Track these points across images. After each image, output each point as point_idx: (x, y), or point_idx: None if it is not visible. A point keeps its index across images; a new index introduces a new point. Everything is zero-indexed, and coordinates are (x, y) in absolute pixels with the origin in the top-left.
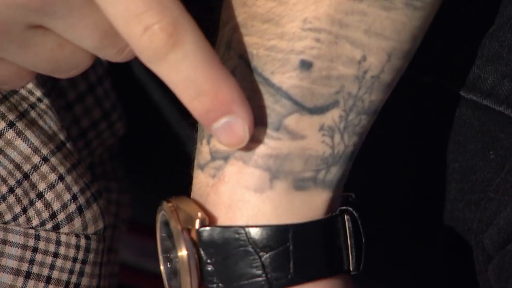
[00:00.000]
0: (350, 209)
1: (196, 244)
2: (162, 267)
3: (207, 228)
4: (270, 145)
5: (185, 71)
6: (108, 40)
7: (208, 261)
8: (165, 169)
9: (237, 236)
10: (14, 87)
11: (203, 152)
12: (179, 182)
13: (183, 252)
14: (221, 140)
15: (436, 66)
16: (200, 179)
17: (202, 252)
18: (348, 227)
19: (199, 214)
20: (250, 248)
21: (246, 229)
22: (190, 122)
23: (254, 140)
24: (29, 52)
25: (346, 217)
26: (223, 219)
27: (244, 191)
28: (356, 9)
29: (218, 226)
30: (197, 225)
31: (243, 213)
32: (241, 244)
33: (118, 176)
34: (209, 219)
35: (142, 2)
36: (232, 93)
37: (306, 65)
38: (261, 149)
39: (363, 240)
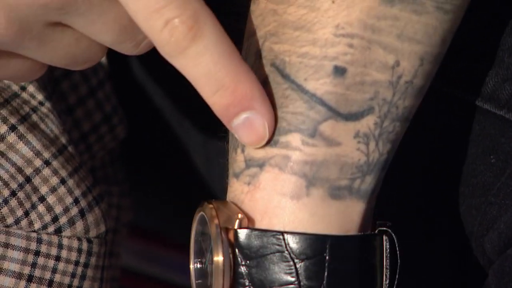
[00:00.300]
0: (390, 230)
1: (233, 245)
2: (191, 266)
3: (246, 229)
4: (305, 151)
5: (206, 64)
6: (126, 35)
7: (243, 263)
8: (166, 172)
9: (275, 240)
10: (26, 81)
11: (237, 160)
12: (180, 185)
13: (219, 256)
14: (241, 137)
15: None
16: (235, 187)
17: (237, 253)
18: (386, 248)
19: (239, 215)
20: (286, 254)
21: (285, 235)
22: (220, 136)
23: (290, 147)
24: (48, 48)
25: (384, 237)
26: (258, 226)
27: (280, 198)
28: (388, 14)
29: (257, 229)
30: (236, 225)
31: (279, 220)
32: (278, 250)
33: (119, 180)
34: (248, 222)
35: None
36: (252, 88)
37: (339, 71)
38: (297, 156)
39: (399, 263)
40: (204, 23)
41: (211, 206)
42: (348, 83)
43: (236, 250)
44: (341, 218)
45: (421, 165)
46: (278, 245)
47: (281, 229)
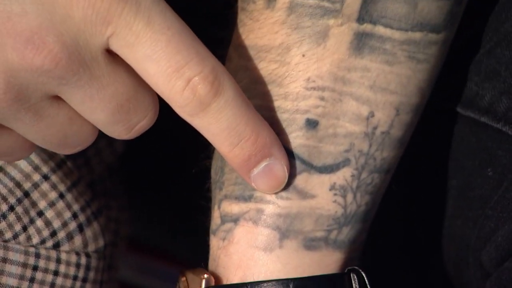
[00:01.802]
0: (357, 268)
1: None
2: None
3: (212, 286)
4: (279, 204)
5: (227, 119)
6: (120, 115)
7: None
8: (164, 187)
9: None
10: (15, 160)
11: (214, 217)
12: (179, 200)
13: None
14: (261, 186)
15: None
16: (213, 244)
17: None
18: (355, 286)
19: (205, 275)
20: None
21: (249, 285)
22: (205, 196)
23: (264, 200)
24: (42, 124)
25: (352, 275)
26: (233, 279)
27: (254, 251)
28: (358, 65)
29: (223, 285)
30: (202, 285)
31: (252, 272)
32: None
33: (118, 194)
34: (217, 281)
35: (182, 55)
36: (271, 135)
37: (312, 124)
38: (270, 209)
39: None
40: (223, 77)
41: (183, 279)
42: (321, 135)
43: None
44: (316, 266)
45: (418, 178)
46: None
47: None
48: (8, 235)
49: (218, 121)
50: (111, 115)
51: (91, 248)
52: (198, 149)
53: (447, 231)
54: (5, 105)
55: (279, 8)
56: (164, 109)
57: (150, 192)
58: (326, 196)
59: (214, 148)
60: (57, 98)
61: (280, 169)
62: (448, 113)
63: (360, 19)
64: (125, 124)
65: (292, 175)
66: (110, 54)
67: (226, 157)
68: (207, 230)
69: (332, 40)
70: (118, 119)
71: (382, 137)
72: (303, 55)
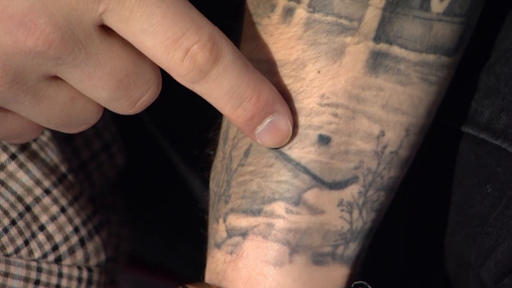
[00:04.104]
0: (365, 283)
1: None
2: None
3: None
4: (289, 219)
5: (228, 82)
6: (122, 91)
7: None
8: (165, 201)
9: None
10: (24, 141)
11: (219, 230)
12: (179, 214)
13: None
14: (266, 141)
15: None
16: (217, 257)
17: None
18: None
19: None
20: None
21: None
22: (201, 208)
23: (274, 215)
24: (43, 105)
25: None
26: None
27: (263, 266)
28: (372, 84)
29: None
30: None
31: (261, 287)
32: None
33: (118, 208)
34: None
35: (178, 26)
36: (272, 92)
37: (324, 140)
38: (280, 223)
39: None
40: (221, 42)
41: None
42: (333, 152)
43: None
44: (324, 281)
45: (417, 195)
46: None
47: None
48: (10, 249)
49: (219, 85)
50: (112, 92)
51: (92, 262)
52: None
53: (447, 248)
54: (3, 88)
55: (296, 24)
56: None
57: (151, 207)
58: (334, 212)
59: (212, 161)
60: (56, 79)
61: (284, 123)
62: (447, 130)
63: (377, 38)
64: (128, 99)
65: (303, 189)
66: (105, 30)
67: (229, 118)
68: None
69: (348, 57)
70: (120, 95)
71: (391, 156)
72: (319, 72)
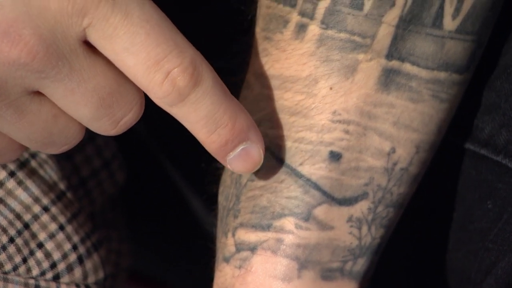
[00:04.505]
0: None
1: None
2: None
3: None
4: (299, 234)
5: (205, 107)
6: (104, 110)
7: None
8: (165, 218)
9: None
10: (4, 161)
11: (228, 244)
12: (180, 231)
13: None
14: (236, 167)
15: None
16: (226, 271)
17: None
18: None
19: None
20: None
21: None
22: (204, 226)
23: (284, 230)
24: (24, 121)
25: None
26: None
27: (272, 281)
28: (384, 101)
29: None
30: None
31: None
32: None
33: (119, 225)
34: None
35: (161, 48)
36: (247, 120)
37: (335, 157)
38: (290, 239)
39: None
40: (202, 68)
41: None
42: (343, 168)
43: None
44: None
45: (418, 211)
46: None
47: None
48: (8, 267)
49: (196, 110)
50: (94, 110)
51: (91, 280)
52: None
53: (448, 264)
54: None
55: (309, 40)
56: (166, 139)
57: (151, 223)
58: (343, 228)
59: (221, 175)
60: (39, 94)
61: (256, 152)
62: (448, 146)
63: (389, 56)
64: (110, 119)
65: (313, 205)
66: (90, 47)
67: (203, 142)
68: (208, 262)
69: (360, 74)
70: (102, 114)
71: (401, 173)
72: (331, 88)
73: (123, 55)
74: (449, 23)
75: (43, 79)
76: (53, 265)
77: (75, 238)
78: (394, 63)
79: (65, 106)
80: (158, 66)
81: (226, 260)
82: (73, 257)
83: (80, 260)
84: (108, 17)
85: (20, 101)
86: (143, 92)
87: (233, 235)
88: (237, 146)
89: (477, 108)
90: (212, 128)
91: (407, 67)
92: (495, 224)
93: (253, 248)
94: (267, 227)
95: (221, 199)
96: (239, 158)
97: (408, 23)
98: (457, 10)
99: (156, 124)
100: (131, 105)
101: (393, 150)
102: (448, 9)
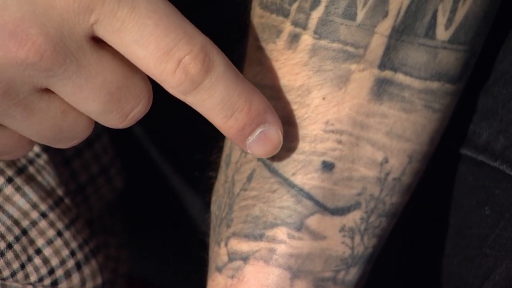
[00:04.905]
0: None
1: None
2: None
3: None
4: (291, 244)
5: (220, 93)
6: (113, 104)
7: None
8: (163, 224)
9: None
10: (14, 157)
11: (221, 254)
12: (178, 237)
13: None
14: (256, 151)
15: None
16: (218, 281)
17: None
18: None
19: None
20: None
21: None
22: (203, 232)
23: (276, 240)
24: (34, 119)
25: None
26: None
27: None
28: (377, 111)
29: None
30: None
31: None
32: None
33: (117, 231)
34: None
35: (170, 37)
36: (264, 102)
37: (328, 167)
38: (282, 248)
39: None
40: (213, 53)
41: None
42: (336, 178)
43: None
44: None
45: (415, 216)
46: None
47: None
48: (6, 273)
49: (211, 96)
50: (103, 104)
51: (89, 286)
52: (198, 186)
53: (445, 270)
54: None
55: (302, 50)
56: (164, 145)
57: (149, 229)
58: (336, 238)
59: (214, 183)
60: (47, 91)
61: (275, 134)
62: (445, 152)
63: (382, 66)
64: (119, 112)
65: (305, 215)
66: (96, 42)
67: (220, 128)
68: (207, 268)
69: (353, 84)
70: (111, 108)
71: (394, 183)
72: (324, 98)
73: (133, 48)
74: (442, 33)
75: (51, 77)
76: (51, 271)
77: (73, 244)
78: (387, 73)
79: (73, 102)
80: (169, 56)
81: (219, 269)
82: (71, 263)
83: (78, 266)
84: (115, 11)
85: (29, 100)
86: (151, 84)
87: (226, 244)
88: (255, 129)
89: (474, 114)
90: (228, 113)
91: (400, 77)
92: (493, 230)
93: (245, 258)
94: (259, 237)
95: (214, 208)
96: (259, 141)
97: (401, 33)
98: (449, 21)
99: (154, 129)
100: (139, 98)
101: (385, 160)
102: (441, 20)
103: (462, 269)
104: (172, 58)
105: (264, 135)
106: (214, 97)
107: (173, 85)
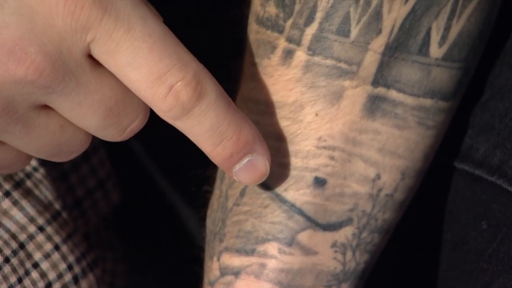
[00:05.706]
0: None
1: None
2: None
3: None
4: (282, 259)
5: (210, 121)
6: (111, 119)
7: None
8: (160, 238)
9: None
10: (12, 171)
11: (213, 269)
12: (175, 251)
13: None
14: (243, 179)
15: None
16: None
17: None
18: None
19: None
20: None
21: None
22: (199, 246)
23: (267, 255)
24: (33, 135)
25: None
26: None
27: None
28: (369, 127)
29: None
30: None
31: None
32: None
33: (114, 245)
34: None
35: (164, 62)
36: (253, 132)
37: (320, 182)
38: (273, 263)
39: None
40: (205, 80)
41: None
42: (328, 194)
43: None
44: None
45: (412, 231)
46: None
47: None
48: (3, 287)
49: (201, 123)
50: (102, 120)
51: None
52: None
53: (442, 284)
54: None
55: (295, 66)
56: (161, 160)
57: (145, 243)
58: (327, 253)
59: (210, 198)
60: (46, 108)
61: (262, 163)
62: (442, 166)
63: (375, 83)
64: (117, 127)
65: (296, 231)
66: (94, 60)
67: (208, 154)
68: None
69: (346, 101)
70: (110, 123)
71: (386, 199)
72: (316, 114)
73: (126, 70)
74: (436, 51)
75: (50, 94)
76: (49, 285)
77: (71, 258)
78: (380, 90)
79: (72, 118)
80: (161, 81)
81: (211, 284)
82: (68, 277)
83: (76, 280)
84: (111, 32)
85: (28, 116)
86: None
87: (218, 259)
88: (242, 158)
89: (471, 128)
90: (217, 140)
91: (393, 94)
92: (490, 244)
93: (236, 273)
94: (251, 252)
95: (208, 223)
96: (245, 170)
97: (394, 50)
98: (443, 38)
99: (150, 143)
100: (137, 112)
101: (378, 177)
102: (435, 37)
103: (460, 284)
104: (164, 83)
105: (251, 164)
106: (203, 124)
107: (163, 109)
